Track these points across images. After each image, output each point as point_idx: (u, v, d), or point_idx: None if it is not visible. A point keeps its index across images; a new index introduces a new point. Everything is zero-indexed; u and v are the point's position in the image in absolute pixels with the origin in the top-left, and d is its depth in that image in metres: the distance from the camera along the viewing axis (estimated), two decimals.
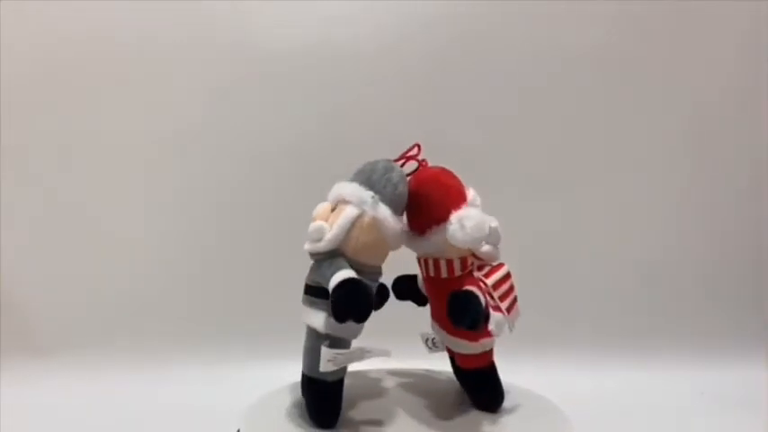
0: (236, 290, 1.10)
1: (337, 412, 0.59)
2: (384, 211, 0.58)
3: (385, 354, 0.56)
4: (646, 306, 1.12)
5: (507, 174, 1.11)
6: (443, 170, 0.63)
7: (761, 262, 1.14)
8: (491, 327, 0.57)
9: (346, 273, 0.54)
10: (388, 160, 0.61)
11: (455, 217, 0.58)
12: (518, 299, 0.61)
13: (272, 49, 1.11)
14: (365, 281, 0.55)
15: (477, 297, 0.57)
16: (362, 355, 0.57)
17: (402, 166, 0.62)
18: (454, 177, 0.62)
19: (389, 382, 0.71)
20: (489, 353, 0.64)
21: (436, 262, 0.61)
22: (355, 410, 0.62)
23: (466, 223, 0.57)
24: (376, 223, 0.58)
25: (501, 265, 0.61)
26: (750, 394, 0.97)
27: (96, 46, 1.10)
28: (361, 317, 0.53)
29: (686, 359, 1.06)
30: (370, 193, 0.58)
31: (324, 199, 0.61)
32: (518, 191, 1.11)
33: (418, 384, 0.71)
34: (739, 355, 1.07)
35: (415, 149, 0.63)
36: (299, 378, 0.63)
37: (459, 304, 0.57)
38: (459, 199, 0.60)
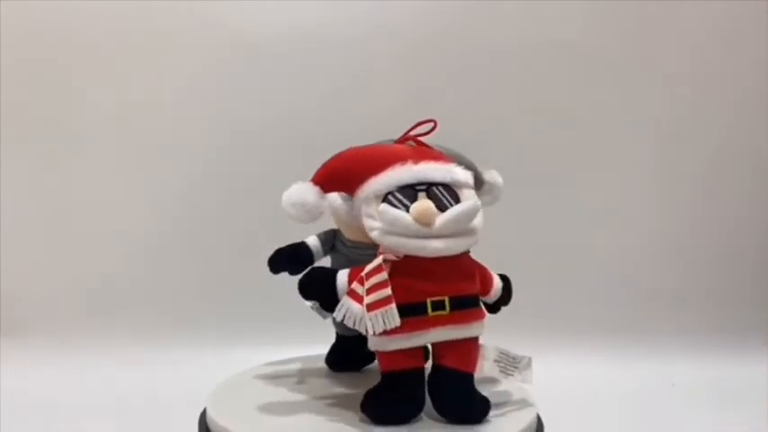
0: (210, 275, 1.10)
1: (342, 362, 0.65)
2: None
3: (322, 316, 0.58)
4: (629, 299, 1.12)
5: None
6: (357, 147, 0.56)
7: (751, 257, 1.14)
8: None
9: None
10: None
11: None
12: (392, 302, 0.48)
13: (256, 34, 1.09)
14: (292, 247, 0.60)
15: (314, 274, 0.52)
16: (319, 311, 0.58)
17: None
18: (346, 153, 0.54)
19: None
20: (392, 357, 0.50)
21: None
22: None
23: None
24: None
25: (378, 255, 0.50)
26: (738, 390, 0.97)
27: (80, 33, 1.09)
28: (271, 268, 0.60)
29: (663, 352, 1.06)
30: None
31: None
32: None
33: None
34: (729, 349, 1.07)
35: (431, 125, 0.58)
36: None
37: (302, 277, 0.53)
38: (315, 175, 0.54)
